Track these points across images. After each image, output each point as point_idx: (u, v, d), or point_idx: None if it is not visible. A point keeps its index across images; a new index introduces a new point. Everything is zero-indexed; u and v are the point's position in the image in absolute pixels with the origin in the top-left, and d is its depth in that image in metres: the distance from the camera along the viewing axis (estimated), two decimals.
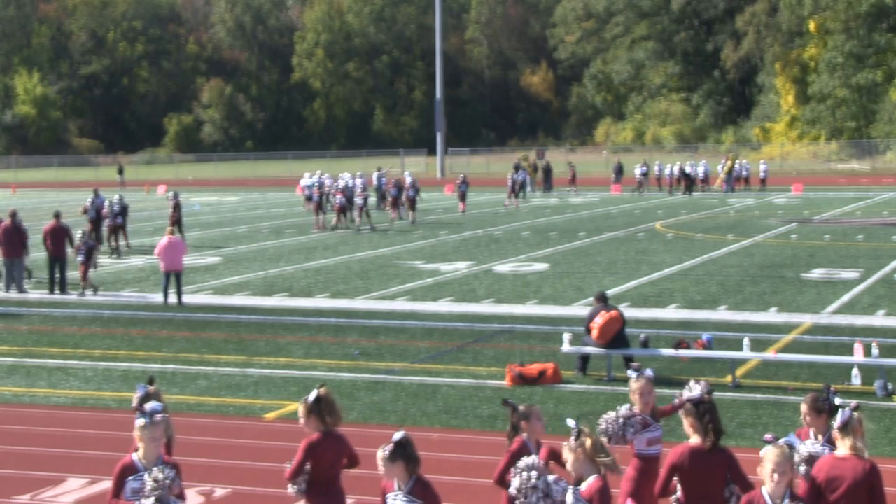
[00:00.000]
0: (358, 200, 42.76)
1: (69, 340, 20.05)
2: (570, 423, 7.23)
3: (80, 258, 25.67)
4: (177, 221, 36.61)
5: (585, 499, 6.86)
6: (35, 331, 21.21)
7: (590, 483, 6.95)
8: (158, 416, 7.68)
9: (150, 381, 8.71)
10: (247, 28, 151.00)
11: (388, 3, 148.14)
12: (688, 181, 60.07)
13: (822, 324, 20.31)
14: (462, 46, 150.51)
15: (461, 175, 53.51)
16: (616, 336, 16.46)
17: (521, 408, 8.43)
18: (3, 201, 60.90)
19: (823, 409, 8.25)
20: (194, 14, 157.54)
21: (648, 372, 9.03)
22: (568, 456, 7.06)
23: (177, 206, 36.93)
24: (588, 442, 7.02)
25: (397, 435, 7.19)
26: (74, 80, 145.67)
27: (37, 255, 31.28)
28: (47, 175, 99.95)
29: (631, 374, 9.10)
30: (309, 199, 51.85)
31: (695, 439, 7.71)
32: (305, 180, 53.16)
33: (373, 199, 44.42)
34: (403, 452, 7.11)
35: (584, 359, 16.68)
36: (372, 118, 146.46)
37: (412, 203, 45.22)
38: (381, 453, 7.13)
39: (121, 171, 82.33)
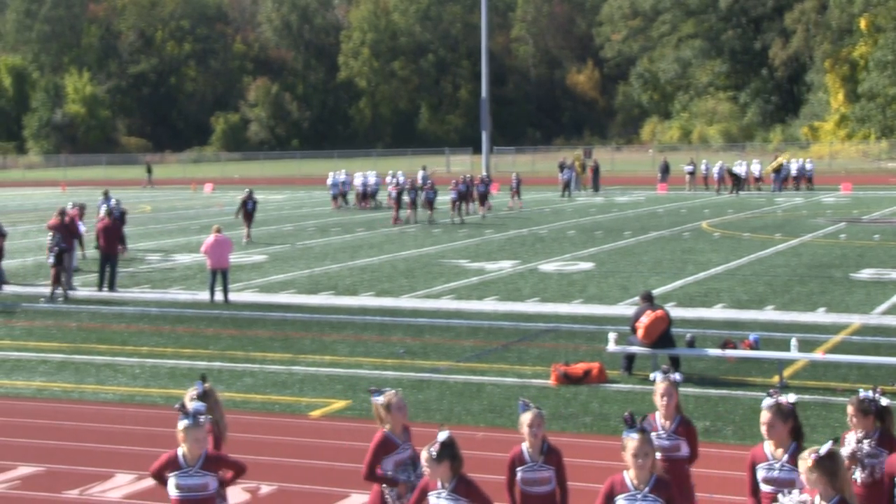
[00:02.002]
0: (412, 196, 44.73)
1: (117, 337, 20.24)
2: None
3: (50, 261, 25.11)
4: (247, 217, 37.12)
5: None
6: (84, 328, 21.43)
7: None
8: (202, 418, 7.69)
9: (204, 379, 8.74)
10: (293, 27, 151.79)
11: (434, 2, 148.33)
12: (735, 180, 59.58)
13: (872, 324, 20.08)
14: (508, 45, 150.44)
15: (481, 175, 53.42)
16: (662, 336, 16.37)
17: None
18: (54, 199, 61.63)
19: (870, 411, 8.13)
20: (241, 13, 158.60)
21: (675, 375, 8.82)
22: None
23: (252, 203, 37.37)
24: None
25: (442, 435, 7.21)
26: (123, 80, 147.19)
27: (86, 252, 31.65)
28: (96, 173, 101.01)
29: (656, 375, 8.94)
30: (335, 197, 52.73)
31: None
32: (330, 178, 54.37)
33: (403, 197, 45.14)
34: (449, 452, 7.16)
35: (630, 358, 16.60)
36: (417, 117, 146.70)
37: (483, 198, 46.01)
38: (427, 454, 7.15)
39: (149, 171, 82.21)
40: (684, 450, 8.60)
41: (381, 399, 8.42)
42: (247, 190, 38.97)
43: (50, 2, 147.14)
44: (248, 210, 37.15)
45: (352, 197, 54.28)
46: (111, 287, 26.13)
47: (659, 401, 8.73)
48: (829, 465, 6.54)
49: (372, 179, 53.80)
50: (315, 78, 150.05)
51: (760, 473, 7.71)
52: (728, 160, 68.64)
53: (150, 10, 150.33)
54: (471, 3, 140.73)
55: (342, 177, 54.15)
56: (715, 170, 61.78)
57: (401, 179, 46.74)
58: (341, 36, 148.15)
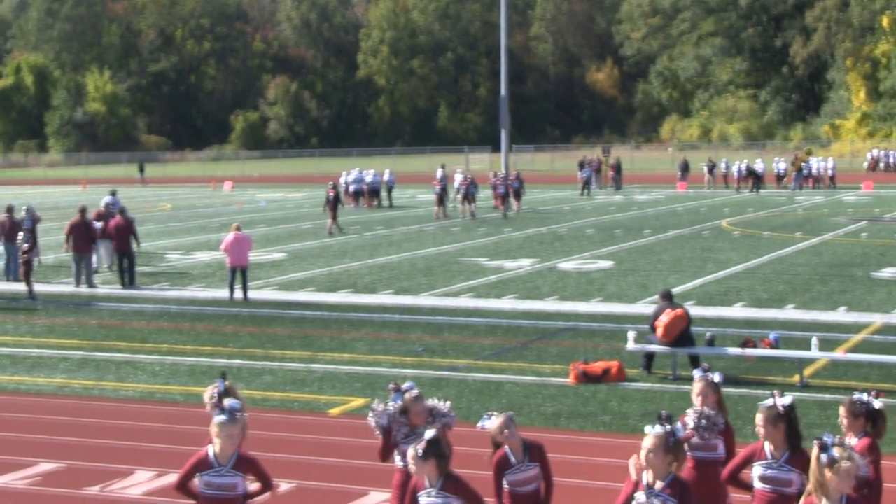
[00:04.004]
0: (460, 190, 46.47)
1: (137, 335, 20.31)
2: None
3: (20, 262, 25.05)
4: (334, 208, 39.37)
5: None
6: (104, 325, 21.51)
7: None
8: (238, 415, 7.68)
9: (224, 376, 8.76)
10: (312, 25, 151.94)
11: (453, 0, 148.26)
12: (755, 179, 59.48)
13: (894, 324, 19.96)
14: (527, 43, 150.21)
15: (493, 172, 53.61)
16: (681, 334, 16.31)
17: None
18: (74, 197, 61.90)
19: (860, 413, 8.10)
20: (261, 12, 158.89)
21: (714, 375, 8.76)
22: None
23: (337, 196, 39.76)
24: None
25: (429, 433, 7.23)
26: (143, 78, 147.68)
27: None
28: (116, 171, 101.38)
29: (696, 373, 8.93)
30: (351, 193, 52.90)
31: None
32: (346, 177, 54.88)
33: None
34: (436, 451, 7.17)
35: (650, 357, 16.56)
36: (436, 115, 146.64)
37: (517, 193, 47.14)
38: (413, 452, 7.17)
39: (141, 170, 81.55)
40: (720, 450, 8.58)
41: (399, 403, 8.55)
42: (330, 184, 41.07)
43: (71, 1, 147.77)
44: (331, 201, 39.50)
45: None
46: (131, 282, 26.26)
47: (695, 399, 8.72)
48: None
49: (369, 178, 53.99)
50: (334, 76, 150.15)
51: (758, 471, 7.82)
52: (750, 158, 68.53)
53: (171, 8, 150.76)
54: (490, 2, 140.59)
55: (356, 174, 54.41)
56: (735, 168, 61.89)
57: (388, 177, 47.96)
58: (360, 34, 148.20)
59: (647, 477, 7.04)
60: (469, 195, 44.99)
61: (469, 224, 42.26)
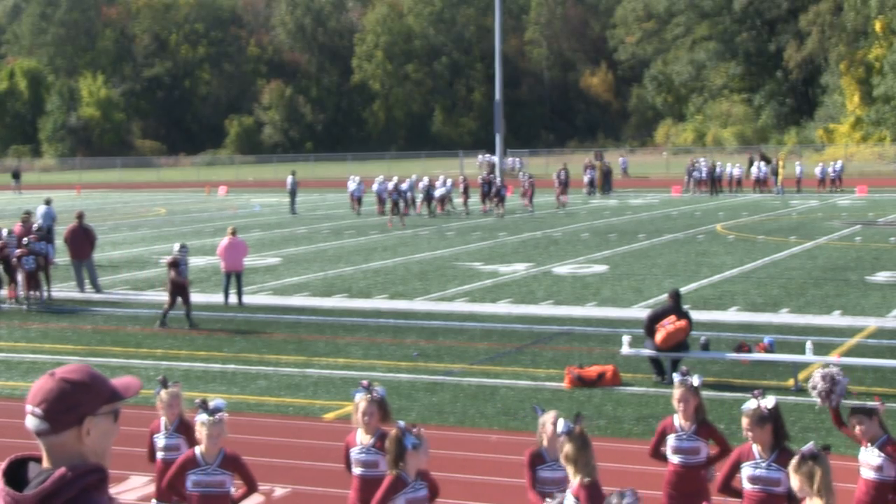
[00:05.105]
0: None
1: (132, 340, 20.28)
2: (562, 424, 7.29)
3: (30, 266, 24.15)
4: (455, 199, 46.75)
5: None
6: (98, 330, 21.48)
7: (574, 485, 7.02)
8: (219, 415, 7.79)
9: (164, 384, 9.00)
10: (307, 30, 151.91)
11: (448, 5, 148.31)
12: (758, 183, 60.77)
13: (888, 327, 20.00)
14: (521, 48, 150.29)
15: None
16: (678, 344, 16.22)
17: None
18: (69, 202, 61.82)
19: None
20: (255, 16, 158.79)
21: (693, 379, 8.78)
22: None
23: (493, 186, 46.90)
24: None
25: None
26: (137, 83, 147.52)
27: (100, 255, 31.70)
28: (111, 176, 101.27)
29: (676, 377, 8.96)
30: (359, 200, 52.49)
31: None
32: (351, 184, 54.24)
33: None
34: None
35: (656, 362, 16.32)
36: (431, 120, 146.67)
37: (500, 196, 47.90)
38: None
39: (16, 176, 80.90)
40: (703, 453, 8.60)
41: (357, 398, 8.55)
42: (492, 177, 47.36)
43: (65, 5, 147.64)
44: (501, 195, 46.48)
45: (368, 200, 54.21)
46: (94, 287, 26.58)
47: (675, 404, 8.77)
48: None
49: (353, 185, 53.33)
50: (329, 81, 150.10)
51: (746, 472, 7.83)
52: (742, 162, 68.81)
53: (165, 13, 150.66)
54: (484, 6, 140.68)
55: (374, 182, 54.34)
56: (730, 171, 62.63)
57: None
58: (355, 39, 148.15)
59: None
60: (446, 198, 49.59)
61: (463, 228, 42.28)
